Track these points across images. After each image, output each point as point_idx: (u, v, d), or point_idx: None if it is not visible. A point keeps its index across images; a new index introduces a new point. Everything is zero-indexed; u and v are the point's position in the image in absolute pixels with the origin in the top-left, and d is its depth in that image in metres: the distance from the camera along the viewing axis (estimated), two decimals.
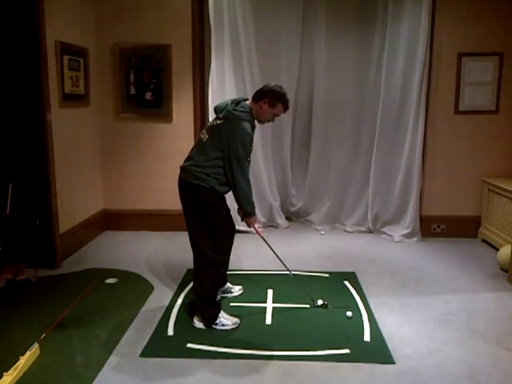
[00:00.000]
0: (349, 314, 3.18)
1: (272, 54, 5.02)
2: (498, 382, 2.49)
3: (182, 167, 3.01)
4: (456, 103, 4.76)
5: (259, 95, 2.95)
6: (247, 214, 2.98)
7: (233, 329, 2.99)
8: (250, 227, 3.15)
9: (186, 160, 3.01)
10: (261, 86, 3.03)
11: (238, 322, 3.05)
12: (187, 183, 2.91)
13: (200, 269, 2.99)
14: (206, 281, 2.96)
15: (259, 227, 3.21)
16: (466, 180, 4.85)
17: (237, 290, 3.51)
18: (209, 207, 2.89)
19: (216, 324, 2.99)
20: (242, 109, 2.88)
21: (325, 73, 5.14)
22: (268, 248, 3.31)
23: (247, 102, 2.98)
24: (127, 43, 4.83)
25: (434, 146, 4.83)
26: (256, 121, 3.03)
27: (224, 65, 4.75)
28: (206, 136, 2.93)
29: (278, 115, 3.04)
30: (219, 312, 3.04)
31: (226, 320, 3.02)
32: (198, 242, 2.94)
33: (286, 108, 3.00)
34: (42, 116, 3.87)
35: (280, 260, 3.37)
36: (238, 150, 2.80)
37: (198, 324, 3.02)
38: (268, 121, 3.07)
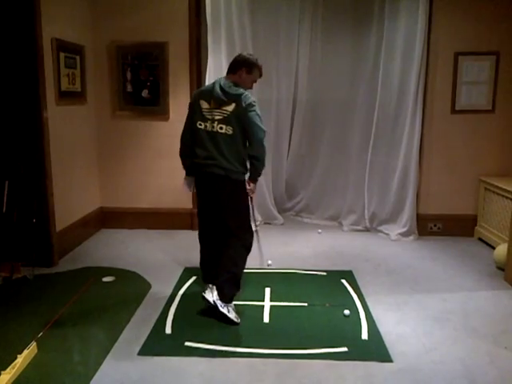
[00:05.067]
0: (346, 312, 3.19)
1: (269, 51, 5.02)
2: (494, 380, 2.51)
3: (215, 164, 3.08)
4: (453, 102, 4.77)
5: (236, 66, 3.14)
6: (259, 175, 3.21)
7: (232, 324, 3.02)
8: (253, 193, 3.27)
9: (215, 157, 3.07)
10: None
11: (239, 321, 3.05)
12: (226, 178, 3.06)
13: (240, 253, 3.17)
14: (243, 263, 3.21)
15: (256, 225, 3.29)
16: (463, 179, 4.87)
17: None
18: (246, 196, 3.18)
19: (229, 305, 3.05)
20: (234, 87, 3.06)
21: (321, 71, 5.17)
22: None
23: (226, 79, 3.12)
24: (124, 41, 4.81)
25: (431, 145, 4.84)
26: None
27: (221, 62, 4.73)
28: (229, 127, 3.02)
29: (255, 81, 3.25)
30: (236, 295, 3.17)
31: (232, 310, 3.07)
32: (236, 230, 3.16)
33: (260, 73, 3.23)
34: (39, 113, 3.84)
35: (260, 251, 3.46)
36: (260, 119, 3.05)
37: (211, 296, 3.01)
38: (248, 88, 3.20)
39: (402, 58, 4.70)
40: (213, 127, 3.05)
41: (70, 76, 4.36)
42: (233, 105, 3.00)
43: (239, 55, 3.22)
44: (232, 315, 3.03)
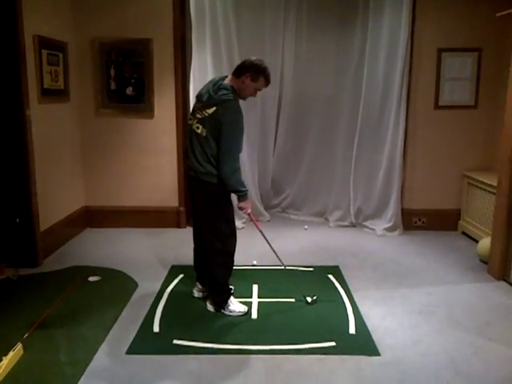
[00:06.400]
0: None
1: (254, 48, 4.97)
2: (478, 371, 2.56)
3: (187, 164, 3.09)
4: (436, 98, 4.83)
5: (241, 70, 2.95)
6: (243, 195, 3.01)
7: (239, 316, 3.11)
8: (247, 213, 3.17)
9: (189, 155, 3.05)
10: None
11: (246, 310, 3.15)
12: (196, 179, 2.99)
13: (212, 258, 3.09)
14: (220, 267, 3.11)
15: (257, 220, 3.24)
16: (446, 174, 4.93)
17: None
18: (217, 199, 2.99)
19: (225, 309, 3.13)
20: (225, 91, 2.88)
21: (306, 68, 5.19)
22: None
23: (226, 80, 2.98)
24: (107, 37, 4.75)
25: (415, 141, 4.89)
26: (239, 97, 3.01)
27: (206, 59, 4.71)
28: (203, 129, 2.91)
29: (260, 89, 3.05)
30: (229, 297, 3.16)
31: (234, 306, 3.15)
32: (206, 232, 3.07)
33: (267, 82, 3.00)
34: (21, 112, 3.79)
35: (274, 252, 3.39)
36: (235, 132, 2.88)
37: (209, 307, 3.20)
38: (250, 96, 3.07)
39: (386, 54, 4.73)
40: (193, 124, 3.00)
41: (53, 73, 4.30)
42: (213, 108, 2.85)
43: (247, 59, 2.97)
44: (235, 313, 3.12)
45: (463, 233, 4.89)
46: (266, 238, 3.33)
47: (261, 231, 3.29)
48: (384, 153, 4.89)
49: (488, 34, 4.69)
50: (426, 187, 4.96)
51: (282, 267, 3.48)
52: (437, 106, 4.84)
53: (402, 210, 4.97)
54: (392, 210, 4.92)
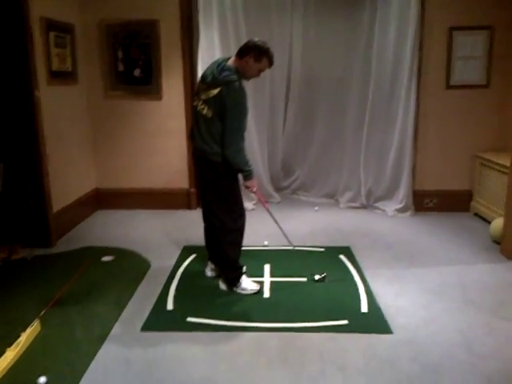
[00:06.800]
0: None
1: (261, 27, 4.93)
2: (491, 350, 2.55)
3: (194, 144, 3.10)
4: (447, 78, 4.76)
5: (244, 51, 2.95)
6: (248, 174, 3.04)
7: (252, 294, 3.14)
8: (253, 191, 3.19)
9: (195, 136, 3.05)
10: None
11: (258, 288, 3.18)
12: (204, 159, 3.00)
13: (222, 235, 3.11)
14: (230, 245, 3.14)
15: (266, 201, 3.24)
16: (458, 154, 4.88)
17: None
18: (226, 179, 3.02)
19: (237, 287, 3.17)
20: (229, 72, 2.88)
21: (315, 47, 5.13)
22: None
23: (230, 62, 2.98)
24: (114, 19, 4.71)
25: (426, 121, 4.83)
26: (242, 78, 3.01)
27: (213, 39, 4.66)
28: (209, 110, 2.91)
29: (263, 70, 3.05)
30: (241, 275, 3.19)
31: (246, 284, 3.17)
32: (217, 211, 3.07)
33: (270, 63, 3.01)
34: (30, 94, 3.79)
35: (283, 232, 3.40)
36: (240, 112, 2.88)
37: (222, 286, 3.24)
38: (254, 76, 3.07)
39: (397, 33, 4.65)
40: (198, 106, 3.00)
41: (61, 56, 4.28)
42: (217, 89, 2.85)
43: (250, 40, 2.99)
44: (247, 291, 3.16)
45: (475, 214, 4.86)
46: (273, 218, 3.34)
47: (268, 210, 3.30)
48: (394, 133, 4.85)
49: (500, 12, 4.59)
50: (438, 168, 4.92)
51: (291, 248, 3.48)
52: (448, 86, 4.76)
53: (414, 191, 4.93)
54: (403, 190, 4.88)
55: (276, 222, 3.36)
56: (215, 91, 2.87)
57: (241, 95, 2.88)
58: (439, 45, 4.69)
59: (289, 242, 3.45)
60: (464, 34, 4.66)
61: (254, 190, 3.15)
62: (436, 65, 4.73)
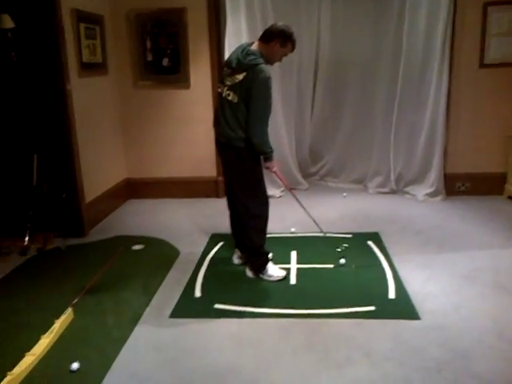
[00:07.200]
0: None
1: (289, 11, 4.89)
2: None
3: (218, 131, 3.12)
4: (481, 56, 4.60)
5: (269, 36, 2.96)
6: (269, 156, 3.07)
7: (278, 280, 3.16)
8: (272, 171, 3.21)
9: (220, 122, 3.07)
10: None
11: (284, 275, 3.19)
12: (228, 145, 3.04)
13: (247, 222, 3.14)
14: (257, 232, 3.17)
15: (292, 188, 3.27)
16: (491, 136, 4.73)
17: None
18: (250, 164, 3.04)
19: (263, 273, 3.19)
20: (254, 56, 2.89)
21: (344, 30, 5.07)
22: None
23: (254, 46, 2.98)
24: (142, 8, 4.75)
25: (458, 102, 4.70)
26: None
27: (240, 26, 4.63)
28: (235, 96, 2.93)
29: (286, 55, 3.07)
30: (267, 262, 3.21)
31: (272, 271, 3.19)
32: (242, 196, 3.10)
33: (293, 47, 3.05)
34: (62, 86, 3.88)
35: (312, 218, 3.41)
36: (265, 96, 2.89)
37: (248, 273, 3.26)
38: (277, 61, 3.09)
39: (428, 10, 4.51)
40: (223, 92, 3.01)
41: (91, 47, 4.35)
42: (243, 74, 2.87)
43: (274, 25, 3.01)
44: (274, 278, 3.17)
45: (509, 197, 4.71)
46: (299, 201, 3.35)
47: (290, 191, 3.36)
48: (426, 115, 4.73)
49: None
50: (470, 150, 4.78)
51: (321, 234, 3.48)
52: (482, 65, 4.61)
53: (445, 174, 4.82)
54: (434, 174, 4.78)
55: (302, 206, 3.37)
56: (241, 76, 2.89)
57: (266, 78, 2.88)
58: (473, 21, 4.54)
59: (319, 227, 3.45)
60: (500, 9, 4.49)
61: (274, 169, 3.18)
62: (469, 42, 4.59)
